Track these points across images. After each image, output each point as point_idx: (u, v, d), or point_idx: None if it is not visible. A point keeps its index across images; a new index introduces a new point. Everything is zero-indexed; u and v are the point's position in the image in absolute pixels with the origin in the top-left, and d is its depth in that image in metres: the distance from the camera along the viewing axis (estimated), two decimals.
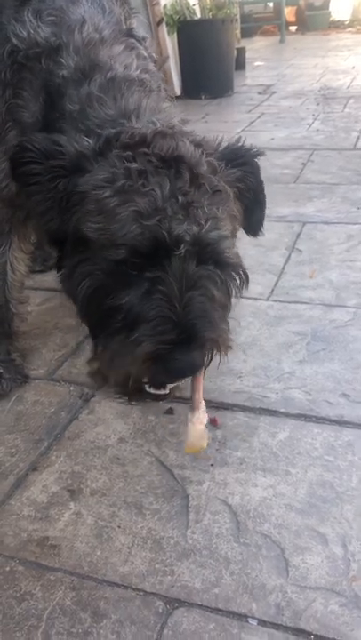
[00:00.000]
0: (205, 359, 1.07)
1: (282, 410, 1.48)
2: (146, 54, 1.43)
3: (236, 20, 5.80)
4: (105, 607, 1.05)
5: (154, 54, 1.49)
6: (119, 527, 1.20)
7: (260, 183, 1.24)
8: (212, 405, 1.51)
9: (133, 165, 1.01)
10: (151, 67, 1.41)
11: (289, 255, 2.29)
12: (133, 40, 1.40)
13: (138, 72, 1.32)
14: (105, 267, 1.03)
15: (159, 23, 5.27)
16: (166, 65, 5.42)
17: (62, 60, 1.28)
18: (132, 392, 1.10)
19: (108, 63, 1.29)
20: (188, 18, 5.28)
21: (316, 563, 1.10)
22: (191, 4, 5.52)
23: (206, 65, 5.32)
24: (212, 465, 1.34)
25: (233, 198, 1.15)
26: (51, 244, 1.20)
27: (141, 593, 1.07)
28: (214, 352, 1.08)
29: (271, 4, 10.82)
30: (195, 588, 1.07)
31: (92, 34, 1.31)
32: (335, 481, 1.27)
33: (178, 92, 5.56)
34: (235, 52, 5.95)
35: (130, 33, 1.41)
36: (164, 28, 5.30)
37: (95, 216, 1.03)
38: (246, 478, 1.30)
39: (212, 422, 1.45)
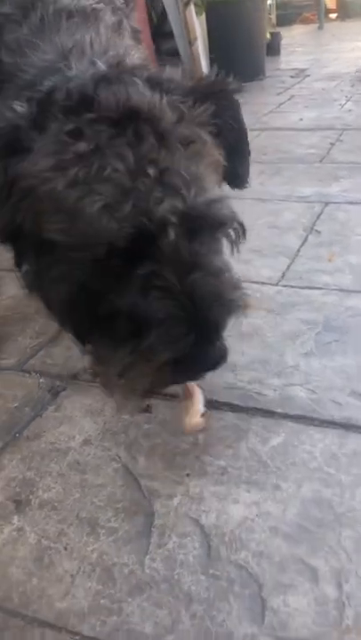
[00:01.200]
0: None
1: (279, 410, 1.25)
2: None
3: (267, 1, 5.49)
4: None
5: None
6: (65, 549, 0.99)
7: (241, 125, 1.02)
8: None
9: (82, 145, 0.80)
10: (118, 2, 1.18)
11: (306, 237, 2.04)
12: None
13: (91, 1, 1.09)
14: (82, 268, 0.82)
15: (187, 4, 5.04)
16: (194, 47, 5.20)
17: None
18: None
19: None
20: None
21: (300, 606, 0.86)
22: None
23: (236, 47, 5.07)
24: (187, 475, 1.11)
25: (210, 141, 0.92)
26: (1, 240, 0.96)
27: (77, 637, 0.85)
28: None
29: None
30: (143, 634, 0.85)
31: None
32: (335, 499, 1.03)
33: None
34: (267, 35, 5.68)
35: None
36: (192, 8, 5.07)
37: (54, 215, 0.82)
38: (226, 492, 1.06)
39: None
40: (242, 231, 0.97)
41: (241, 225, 0.96)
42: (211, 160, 0.91)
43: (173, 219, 0.80)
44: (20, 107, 0.87)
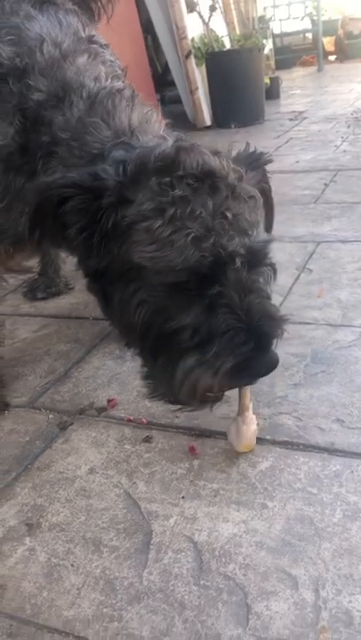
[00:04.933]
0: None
1: (267, 437, 1.36)
2: (111, 59, 1.39)
3: (263, 48, 5.74)
4: None
5: (118, 61, 1.44)
6: (72, 565, 1.10)
7: (270, 187, 1.27)
8: (194, 433, 1.40)
9: (177, 193, 1.01)
10: (118, 71, 1.36)
11: (298, 275, 2.17)
12: (96, 46, 1.37)
13: (109, 81, 1.30)
14: (162, 291, 1.04)
15: (187, 56, 5.30)
16: (195, 96, 5.44)
17: (31, 82, 1.26)
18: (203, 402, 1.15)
19: (77, 81, 1.27)
20: (217, 49, 5.29)
21: (281, 610, 0.96)
22: (220, 35, 5.56)
23: (235, 94, 5.30)
24: (183, 497, 1.22)
25: (259, 197, 1.16)
26: (87, 276, 1.20)
27: None
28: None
29: (310, 36, 10.85)
30: (142, 637, 0.95)
31: (52, 52, 1.29)
32: (316, 516, 1.13)
33: (208, 122, 5.55)
34: (266, 81, 5.92)
35: (91, 40, 1.37)
36: (192, 60, 5.33)
37: (147, 245, 1.03)
38: (218, 512, 1.17)
39: (191, 451, 1.34)
40: (273, 271, 1.19)
41: (273, 266, 1.18)
42: (260, 211, 1.14)
43: (242, 251, 1.02)
44: (111, 170, 1.08)
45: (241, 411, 1.28)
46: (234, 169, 1.10)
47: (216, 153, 1.12)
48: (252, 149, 1.25)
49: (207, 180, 1.03)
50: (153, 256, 1.02)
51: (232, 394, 1.26)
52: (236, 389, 1.24)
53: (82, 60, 1.30)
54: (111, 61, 1.38)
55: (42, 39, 1.29)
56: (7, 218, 1.38)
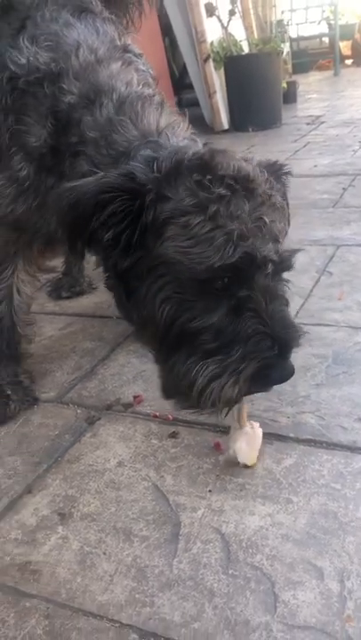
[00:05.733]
0: None
1: (291, 435, 1.39)
2: (144, 68, 1.43)
3: (282, 53, 5.77)
4: (77, 638, 0.98)
5: (151, 70, 1.49)
6: (104, 554, 1.14)
7: (287, 196, 1.29)
8: (219, 430, 1.44)
9: (219, 191, 1.03)
10: (150, 80, 1.40)
11: (319, 278, 2.21)
12: (130, 55, 1.41)
13: (140, 87, 1.34)
14: (190, 288, 1.05)
15: (206, 60, 5.35)
16: (214, 100, 5.49)
17: (65, 86, 1.30)
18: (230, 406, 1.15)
19: (109, 84, 1.30)
20: (235, 53, 5.34)
21: (308, 599, 1.00)
22: (238, 39, 5.60)
23: (253, 98, 5.34)
24: (210, 491, 1.26)
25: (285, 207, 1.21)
26: (108, 271, 1.21)
27: (117, 625, 1.00)
28: None
29: (327, 40, 10.88)
30: (173, 622, 0.99)
31: (87, 57, 1.33)
32: (340, 510, 1.17)
33: (225, 125, 5.60)
34: (283, 85, 5.96)
35: (126, 49, 1.42)
36: (210, 64, 5.38)
37: (184, 240, 1.04)
38: (244, 506, 1.21)
39: (216, 447, 1.38)
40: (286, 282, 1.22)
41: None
42: (286, 221, 1.19)
43: (275, 257, 1.05)
44: (144, 167, 1.09)
45: (243, 423, 1.30)
46: (266, 178, 1.13)
47: (246, 159, 1.16)
48: (271, 159, 1.28)
49: (244, 183, 1.06)
50: (189, 251, 1.03)
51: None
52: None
53: (115, 66, 1.34)
54: (143, 70, 1.42)
55: (78, 45, 1.34)
56: (40, 216, 1.43)
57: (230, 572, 1.07)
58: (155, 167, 1.09)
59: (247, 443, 1.30)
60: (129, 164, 1.13)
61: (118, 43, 1.41)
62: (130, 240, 1.08)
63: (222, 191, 1.03)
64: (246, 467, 1.30)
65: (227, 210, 1.02)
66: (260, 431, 1.32)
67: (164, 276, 1.08)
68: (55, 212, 1.15)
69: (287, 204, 1.29)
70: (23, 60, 1.34)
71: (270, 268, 1.06)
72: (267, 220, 1.05)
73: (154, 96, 1.34)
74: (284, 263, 1.10)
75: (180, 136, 1.25)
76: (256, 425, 1.32)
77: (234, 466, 1.32)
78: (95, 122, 1.26)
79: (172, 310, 1.08)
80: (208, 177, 1.04)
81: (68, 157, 1.30)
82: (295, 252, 1.14)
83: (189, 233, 1.03)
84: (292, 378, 1.57)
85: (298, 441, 1.38)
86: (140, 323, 1.18)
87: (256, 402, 1.53)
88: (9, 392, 1.60)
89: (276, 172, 1.25)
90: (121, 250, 1.11)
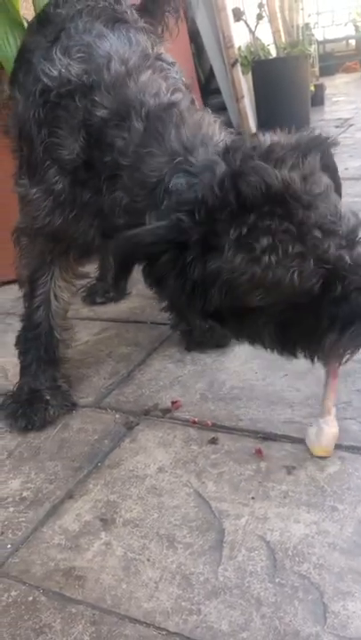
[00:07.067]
0: None
1: None
2: (177, 76, 1.42)
3: (310, 56, 5.74)
4: None
5: (183, 78, 1.48)
6: (148, 560, 1.14)
7: (335, 166, 1.24)
8: (259, 436, 1.43)
9: (264, 241, 1.02)
10: (181, 85, 1.39)
11: None
12: (161, 63, 1.40)
13: (168, 95, 1.31)
14: (283, 311, 1.09)
15: (233, 64, 5.34)
16: (241, 104, 5.47)
17: (97, 99, 1.29)
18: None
19: (137, 99, 1.28)
20: (263, 57, 5.32)
21: (358, 610, 0.98)
22: (266, 43, 5.59)
23: (281, 102, 5.31)
24: (252, 498, 1.25)
25: (329, 182, 1.15)
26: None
27: (164, 632, 0.99)
28: None
29: (353, 42, 10.80)
30: (221, 631, 0.98)
31: (119, 68, 1.31)
32: None
33: (253, 129, 5.58)
34: (311, 88, 5.93)
35: (158, 57, 1.41)
36: (238, 68, 5.37)
37: (254, 291, 1.06)
38: (289, 514, 1.20)
39: (257, 453, 1.37)
40: None
41: None
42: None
43: (342, 253, 1.04)
44: (183, 216, 1.07)
45: (324, 413, 1.32)
46: (302, 175, 1.06)
47: (275, 157, 1.06)
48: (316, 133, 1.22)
49: (279, 208, 1.02)
50: (263, 297, 1.06)
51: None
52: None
53: (144, 76, 1.32)
54: (174, 77, 1.40)
55: (110, 57, 1.33)
56: (77, 228, 1.43)
57: (277, 580, 1.06)
58: (196, 215, 1.06)
59: (317, 431, 1.32)
60: (170, 199, 1.15)
61: (150, 52, 1.40)
62: (185, 288, 1.11)
63: (266, 241, 1.01)
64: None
65: (278, 254, 1.01)
66: (330, 429, 1.32)
67: (255, 314, 1.11)
68: (112, 257, 1.16)
69: (335, 172, 1.24)
70: (55, 73, 1.33)
71: (347, 258, 1.04)
72: (319, 232, 1.02)
73: (181, 101, 1.30)
74: (353, 232, 1.08)
75: (203, 147, 1.20)
76: (333, 422, 1.32)
77: (276, 472, 1.31)
78: (126, 147, 1.25)
79: (274, 328, 1.13)
80: (245, 229, 1.02)
81: (105, 180, 1.29)
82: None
83: (256, 285, 1.05)
84: None
85: (341, 447, 1.35)
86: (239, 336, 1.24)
87: (296, 408, 1.51)
88: (48, 397, 1.61)
89: (319, 145, 1.17)
90: (186, 298, 1.13)
